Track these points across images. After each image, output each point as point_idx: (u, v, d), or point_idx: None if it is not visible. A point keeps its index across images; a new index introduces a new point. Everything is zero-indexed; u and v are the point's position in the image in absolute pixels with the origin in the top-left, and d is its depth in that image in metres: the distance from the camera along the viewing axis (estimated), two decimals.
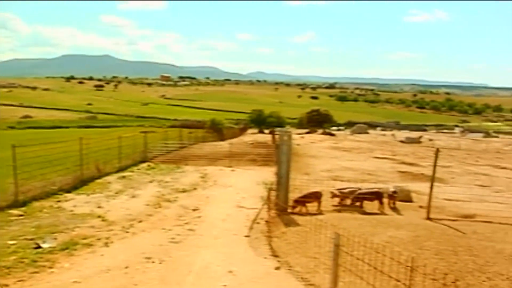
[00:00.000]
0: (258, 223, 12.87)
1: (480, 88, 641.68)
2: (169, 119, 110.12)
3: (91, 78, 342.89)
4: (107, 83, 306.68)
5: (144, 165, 24.91)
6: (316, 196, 13.91)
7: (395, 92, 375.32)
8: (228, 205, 15.32)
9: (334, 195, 14.64)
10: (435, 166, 12.96)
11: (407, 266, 6.28)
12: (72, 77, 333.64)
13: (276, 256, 10.13)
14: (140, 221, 13.03)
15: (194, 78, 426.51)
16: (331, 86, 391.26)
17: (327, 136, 60.87)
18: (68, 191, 16.62)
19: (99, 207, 14.56)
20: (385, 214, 13.67)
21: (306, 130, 73.74)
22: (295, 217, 12.74)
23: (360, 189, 14.99)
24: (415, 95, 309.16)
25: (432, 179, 13.08)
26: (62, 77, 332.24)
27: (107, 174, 20.75)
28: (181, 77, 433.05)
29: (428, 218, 12.76)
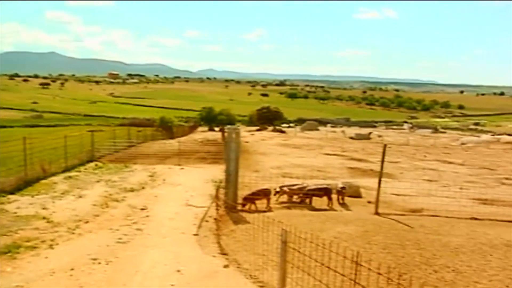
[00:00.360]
0: (207, 221, 12.82)
1: (428, 85, 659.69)
2: (117, 118, 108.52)
3: (36, 76, 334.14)
4: (53, 81, 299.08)
5: (92, 164, 24.42)
6: (264, 193, 13.96)
7: (345, 89, 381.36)
8: (177, 203, 15.20)
9: (283, 192, 14.73)
10: (382, 161, 13.20)
11: (353, 261, 6.36)
12: (16, 75, 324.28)
13: (224, 254, 10.12)
14: (86, 222, 12.77)
15: (143, 76, 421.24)
16: (282, 84, 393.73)
17: (277, 133, 61.23)
18: (11, 193, 16.09)
19: (44, 208, 14.17)
20: (334, 210, 13.83)
21: (257, 128, 74.00)
22: (244, 214, 12.76)
23: (304, 185, 15.13)
24: (364, 92, 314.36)
25: (380, 174, 13.30)
26: (5, 75, 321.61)
27: (53, 174, 20.20)
28: (129, 75, 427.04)
29: (377, 213, 12.94)
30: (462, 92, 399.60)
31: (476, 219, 12.63)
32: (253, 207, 13.51)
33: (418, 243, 9.82)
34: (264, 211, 13.00)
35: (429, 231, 10.87)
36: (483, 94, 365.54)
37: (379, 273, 6.03)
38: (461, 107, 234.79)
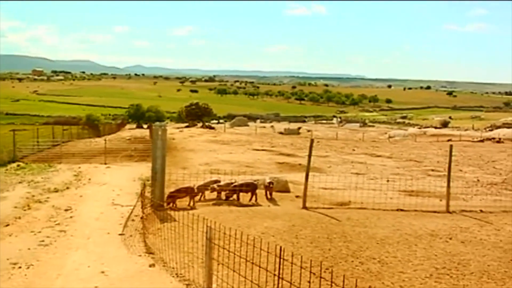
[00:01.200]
0: (133, 220, 12.64)
1: (357, 80, 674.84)
2: (42, 116, 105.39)
3: None
4: None
5: (13, 165, 23.55)
6: (187, 191, 13.92)
7: (275, 84, 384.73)
8: (102, 203, 14.89)
9: (212, 189, 14.70)
10: (310, 156, 13.37)
11: (277, 256, 6.46)
12: None
13: (150, 253, 10.01)
14: (6, 225, 12.28)
15: (69, 73, 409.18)
16: (211, 79, 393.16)
17: (207, 130, 61.21)
18: None
19: None
20: (260, 205, 13.95)
21: (185, 124, 73.61)
22: (171, 212, 12.65)
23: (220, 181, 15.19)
24: (294, 87, 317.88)
25: (308, 168, 13.43)
26: None
27: None
28: (55, 72, 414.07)
29: (304, 207, 13.03)
30: (390, 86, 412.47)
31: (402, 210, 12.99)
32: (178, 204, 13.46)
33: (345, 235, 10.06)
34: (191, 209, 12.99)
35: (356, 223, 11.16)
36: (410, 88, 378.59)
37: (302, 267, 6.16)
38: (388, 101, 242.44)
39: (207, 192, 14.72)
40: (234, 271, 7.37)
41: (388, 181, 17.25)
